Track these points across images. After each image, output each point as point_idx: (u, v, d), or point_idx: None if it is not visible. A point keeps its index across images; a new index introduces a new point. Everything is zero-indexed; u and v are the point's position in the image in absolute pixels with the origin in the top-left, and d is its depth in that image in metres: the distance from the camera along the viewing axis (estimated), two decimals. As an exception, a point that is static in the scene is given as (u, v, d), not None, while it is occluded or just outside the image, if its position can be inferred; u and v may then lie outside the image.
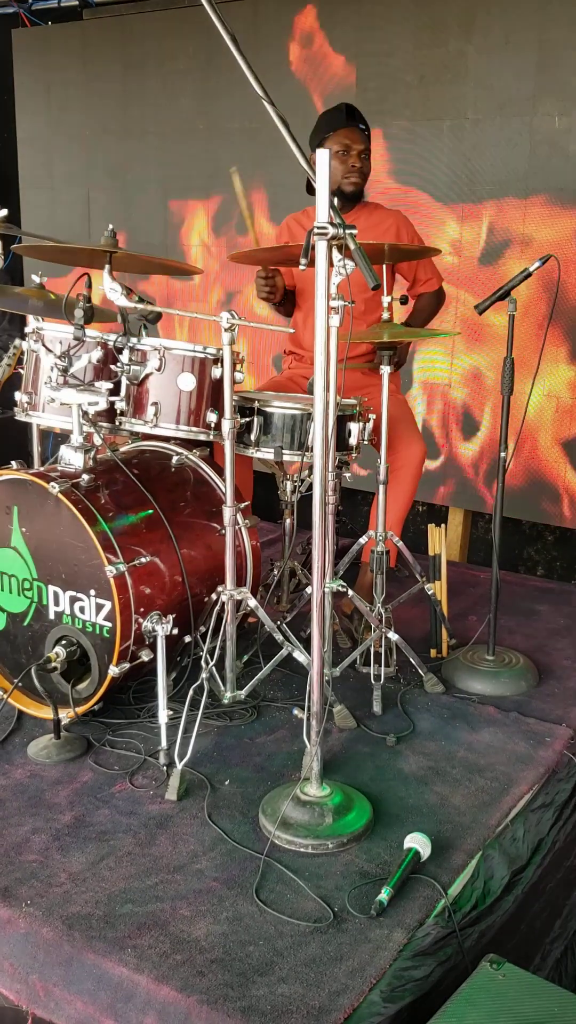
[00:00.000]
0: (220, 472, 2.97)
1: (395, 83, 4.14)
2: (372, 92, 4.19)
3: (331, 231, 1.96)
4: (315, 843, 2.18)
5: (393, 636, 2.87)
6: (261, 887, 2.06)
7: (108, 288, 2.55)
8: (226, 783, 2.45)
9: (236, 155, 4.57)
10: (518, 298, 2.78)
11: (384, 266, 2.96)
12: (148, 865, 2.14)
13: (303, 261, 1.97)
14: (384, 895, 2.00)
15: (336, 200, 3.32)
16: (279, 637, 2.73)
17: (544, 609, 3.63)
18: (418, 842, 2.14)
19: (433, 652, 3.16)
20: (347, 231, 1.97)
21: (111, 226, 2.61)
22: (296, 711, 2.75)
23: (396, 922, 1.96)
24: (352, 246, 1.98)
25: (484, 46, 3.92)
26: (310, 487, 3.09)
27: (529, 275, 2.76)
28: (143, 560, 2.59)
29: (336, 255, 2.04)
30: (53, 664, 2.62)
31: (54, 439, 4.53)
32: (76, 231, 5.24)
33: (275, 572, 3.33)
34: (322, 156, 1.95)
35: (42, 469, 2.74)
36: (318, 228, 1.95)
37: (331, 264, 2.02)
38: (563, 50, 3.72)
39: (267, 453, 2.85)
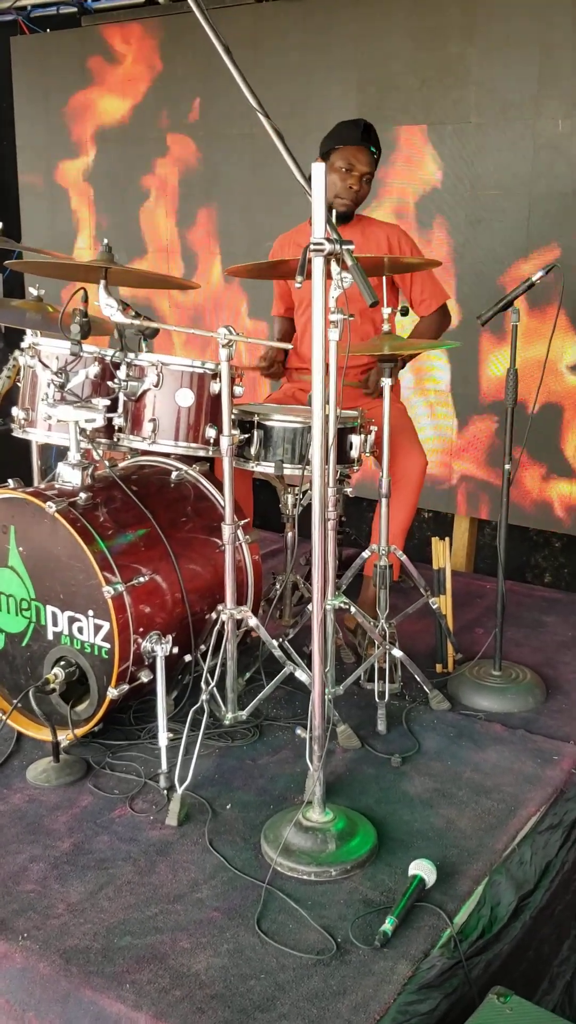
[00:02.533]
0: (220, 487, 2.92)
1: (395, 86, 4.09)
2: (372, 95, 4.14)
3: (328, 247, 1.91)
4: (318, 870, 2.14)
5: (397, 653, 2.82)
6: (263, 917, 2.02)
7: (104, 304, 2.51)
8: (228, 807, 2.40)
9: (236, 160, 4.55)
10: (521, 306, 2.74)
11: (383, 279, 2.91)
12: (148, 895, 2.09)
13: (299, 279, 1.92)
14: (388, 925, 1.95)
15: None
16: (279, 654, 2.68)
17: (551, 621, 3.58)
18: (423, 869, 2.09)
19: (439, 667, 3.11)
20: (344, 247, 1.93)
21: (106, 241, 2.57)
22: (299, 730, 2.71)
23: (401, 953, 1.92)
24: (349, 262, 1.93)
25: (486, 48, 3.87)
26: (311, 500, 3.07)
27: (533, 285, 2.71)
28: (142, 579, 2.55)
29: (334, 268, 2.00)
30: (52, 686, 2.58)
31: (56, 451, 4.49)
32: (76, 241, 5.21)
33: (277, 586, 3.29)
34: (318, 170, 1.91)
35: (39, 487, 2.70)
36: (315, 244, 1.90)
37: (329, 278, 1.98)
38: (566, 52, 3.67)
39: (268, 467, 2.81)
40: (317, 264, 1.93)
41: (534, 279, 2.71)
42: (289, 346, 2.61)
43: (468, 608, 3.59)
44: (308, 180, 1.99)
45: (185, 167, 4.76)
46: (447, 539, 3.14)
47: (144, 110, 4.84)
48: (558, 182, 3.78)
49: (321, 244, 1.90)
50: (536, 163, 3.83)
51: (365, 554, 3.03)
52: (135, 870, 2.17)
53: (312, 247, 1.91)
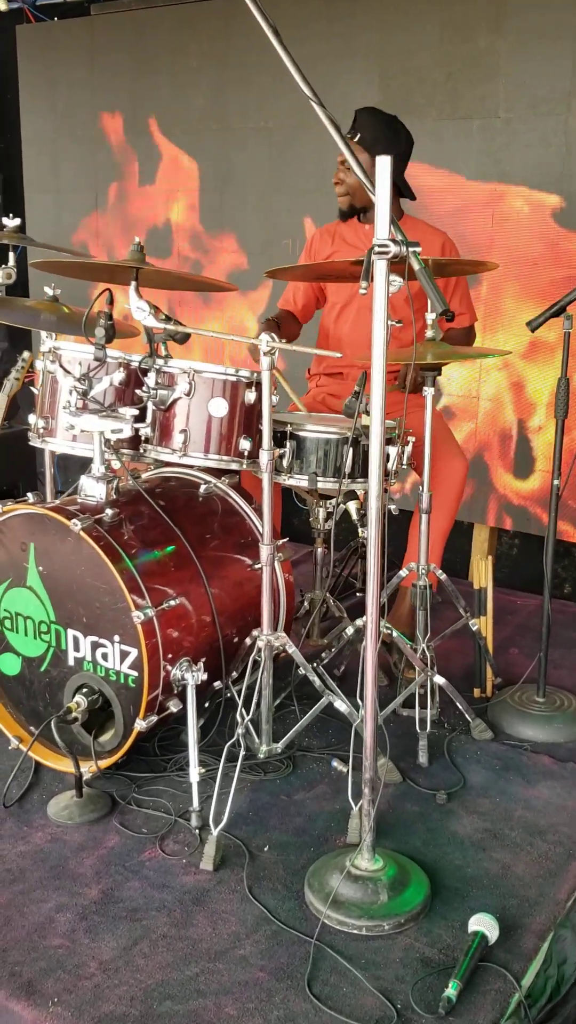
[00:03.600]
0: (250, 500, 2.77)
1: (420, 79, 3.92)
2: (396, 89, 3.97)
3: (393, 249, 1.75)
4: (369, 924, 1.97)
5: (440, 680, 2.66)
6: (313, 978, 1.85)
7: (135, 307, 2.34)
8: (265, 849, 2.24)
9: (250, 155, 4.37)
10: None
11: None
12: (186, 951, 1.93)
13: (363, 284, 1.75)
14: (452, 990, 1.79)
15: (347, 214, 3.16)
16: (317, 682, 2.52)
17: (588, 640, 3.43)
18: (484, 925, 1.93)
19: (477, 692, 2.95)
20: (410, 249, 1.76)
21: (138, 239, 2.40)
22: (336, 763, 2.55)
23: (467, 1022, 1.76)
24: (417, 266, 1.77)
25: (516, 42, 3.70)
26: (343, 515, 2.90)
27: (587, 289, 2.56)
28: (172, 603, 2.38)
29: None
30: (74, 715, 2.41)
31: (59, 460, 4.31)
32: (83, 237, 5.03)
33: (305, 604, 3.12)
34: (383, 164, 1.74)
35: (60, 502, 2.53)
36: (379, 246, 1.74)
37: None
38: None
39: (301, 480, 2.64)
40: (380, 268, 1.76)
41: (589, 283, 2.55)
42: (338, 354, 2.44)
43: (500, 626, 3.43)
44: (367, 173, 1.83)
45: (198, 161, 4.58)
46: (490, 557, 2.97)
47: (156, 102, 4.66)
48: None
49: (386, 246, 1.74)
50: (568, 160, 3.67)
51: (403, 572, 2.87)
52: (170, 922, 2.00)
53: (376, 249, 1.74)
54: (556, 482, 2.68)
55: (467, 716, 2.72)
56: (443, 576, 2.85)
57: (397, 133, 3.06)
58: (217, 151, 4.50)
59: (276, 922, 2.00)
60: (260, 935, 1.97)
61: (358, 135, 2.98)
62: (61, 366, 2.54)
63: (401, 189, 3.09)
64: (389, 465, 2.69)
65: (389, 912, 1.99)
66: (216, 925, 1.99)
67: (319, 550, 3.09)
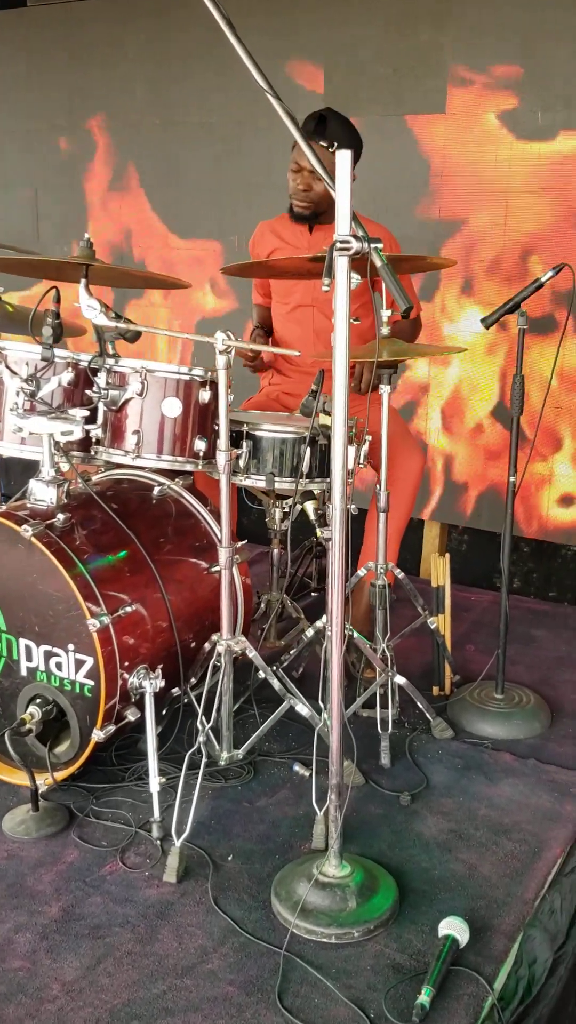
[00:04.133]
0: (204, 502, 2.71)
1: (365, 74, 3.89)
2: (339, 84, 3.94)
3: (355, 246, 1.71)
4: (339, 932, 1.94)
5: (400, 680, 2.64)
6: (284, 991, 1.81)
7: (85, 305, 2.27)
8: (229, 859, 2.19)
9: (194, 151, 4.31)
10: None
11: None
12: (152, 967, 1.87)
13: (326, 281, 1.71)
14: (425, 996, 1.77)
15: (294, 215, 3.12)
16: (278, 686, 2.48)
17: (542, 635, 3.44)
18: (454, 928, 1.91)
19: (435, 690, 2.94)
20: (372, 245, 1.73)
21: (87, 235, 2.33)
22: (297, 767, 2.52)
23: (441, 1028, 1.74)
24: (379, 263, 1.74)
25: (460, 38, 3.70)
26: (300, 515, 2.87)
27: (541, 286, 2.56)
28: (128, 609, 2.32)
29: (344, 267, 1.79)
30: (28, 726, 2.33)
31: (2, 464, 4.20)
32: (24, 236, 4.91)
33: (262, 606, 3.08)
34: (343, 158, 1.70)
35: (8, 507, 2.44)
36: (340, 242, 1.70)
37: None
38: (550, 43, 3.52)
39: (258, 480, 2.59)
40: (342, 265, 1.73)
41: (543, 280, 2.54)
42: (297, 353, 2.40)
43: (455, 622, 3.40)
44: (325, 167, 1.79)
45: (143, 157, 4.50)
46: (447, 555, 2.96)
47: (94, 96, 4.56)
48: (535, 179, 3.64)
49: (348, 242, 1.70)
50: (515, 159, 3.68)
51: (361, 572, 2.84)
52: (135, 938, 1.95)
53: (337, 245, 1.71)
54: (512, 479, 2.68)
55: (427, 715, 2.70)
56: (401, 575, 2.82)
57: (353, 132, 3.02)
58: (159, 146, 4.43)
59: (244, 933, 1.95)
60: (228, 948, 1.92)
61: (335, 144, 2.92)
62: (7, 366, 2.46)
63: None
64: (347, 464, 2.65)
65: (358, 919, 1.96)
66: (182, 939, 1.94)
67: (275, 551, 3.05)
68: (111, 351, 2.49)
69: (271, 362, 3.25)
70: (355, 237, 1.70)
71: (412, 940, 1.95)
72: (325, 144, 2.88)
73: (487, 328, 2.65)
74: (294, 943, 1.93)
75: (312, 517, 2.74)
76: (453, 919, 1.93)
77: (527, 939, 1.98)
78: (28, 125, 4.78)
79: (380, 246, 1.74)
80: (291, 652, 2.80)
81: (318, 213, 3.05)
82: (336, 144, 2.88)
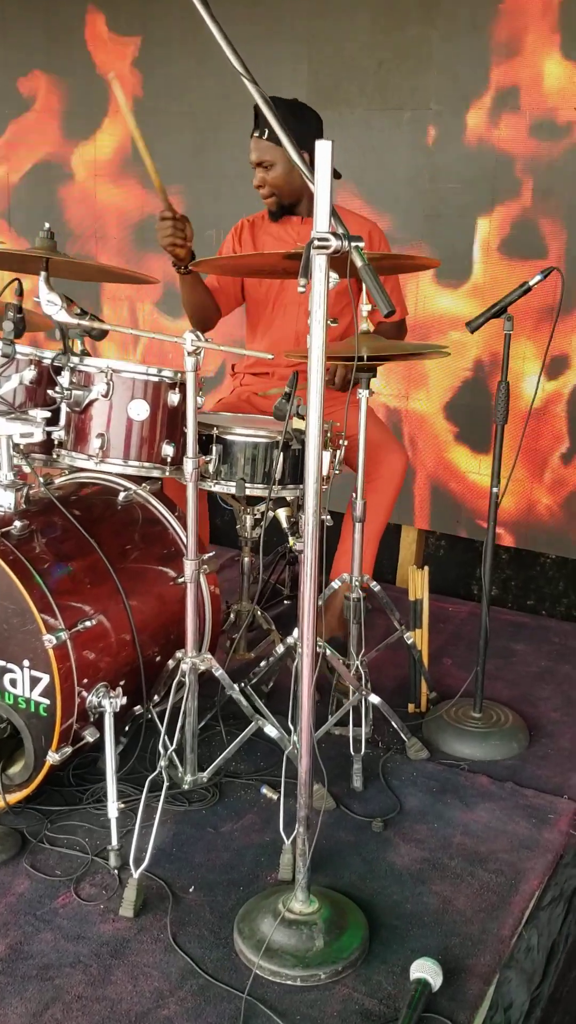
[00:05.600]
0: (172, 508, 2.59)
1: (350, 67, 3.77)
2: (325, 77, 3.82)
3: (333, 244, 1.59)
4: (304, 974, 1.82)
5: (375, 699, 2.53)
6: (245, 1040, 1.70)
7: (45, 300, 2.14)
8: (191, 890, 2.07)
9: (172, 140, 4.17)
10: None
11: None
12: (104, 1014, 1.74)
13: (303, 281, 1.59)
14: (395, 1047, 1.66)
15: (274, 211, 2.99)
16: (246, 706, 2.36)
17: (521, 649, 3.34)
18: (427, 971, 1.80)
19: (411, 707, 2.83)
20: (353, 243, 1.61)
21: (47, 225, 2.19)
22: (265, 790, 2.40)
23: None
24: (360, 262, 1.61)
25: (447, 32, 3.58)
26: (272, 521, 2.75)
27: (529, 290, 2.44)
28: (88, 623, 2.19)
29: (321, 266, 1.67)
30: (-21, 746, 2.20)
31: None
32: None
33: (231, 616, 2.96)
34: (323, 148, 1.58)
35: (-37, 512, 2.31)
36: (318, 240, 1.58)
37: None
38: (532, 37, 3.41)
39: (228, 487, 2.47)
40: (319, 265, 1.60)
41: (531, 283, 2.43)
42: (270, 356, 2.27)
43: (433, 634, 3.31)
44: (305, 161, 1.66)
45: (117, 145, 4.35)
46: (425, 568, 2.85)
47: (66, 75, 4.41)
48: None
49: (327, 240, 1.58)
50: (500, 157, 3.57)
51: (335, 584, 2.72)
52: (86, 980, 1.82)
53: (315, 243, 1.58)
54: (495, 489, 2.57)
55: (402, 735, 2.59)
56: (377, 587, 2.71)
57: (301, 118, 2.90)
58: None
59: (203, 975, 1.83)
60: (185, 991, 1.80)
61: (265, 132, 2.83)
62: (-35, 363, 2.32)
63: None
64: (322, 470, 2.53)
65: (325, 959, 1.85)
66: (137, 981, 1.82)
67: (246, 559, 2.93)
68: (79, 348, 2.36)
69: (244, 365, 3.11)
70: (334, 235, 1.58)
71: (382, 982, 1.83)
72: (257, 134, 2.80)
73: (472, 332, 2.53)
74: (257, 985, 1.81)
75: (284, 525, 2.62)
76: (426, 961, 1.82)
77: (503, 982, 1.87)
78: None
79: (362, 244, 1.61)
80: (261, 666, 2.68)
81: (286, 205, 2.94)
82: (267, 131, 2.80)
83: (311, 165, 1.57)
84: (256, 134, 2.87)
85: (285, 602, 3.45)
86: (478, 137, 3.55)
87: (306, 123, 2.88)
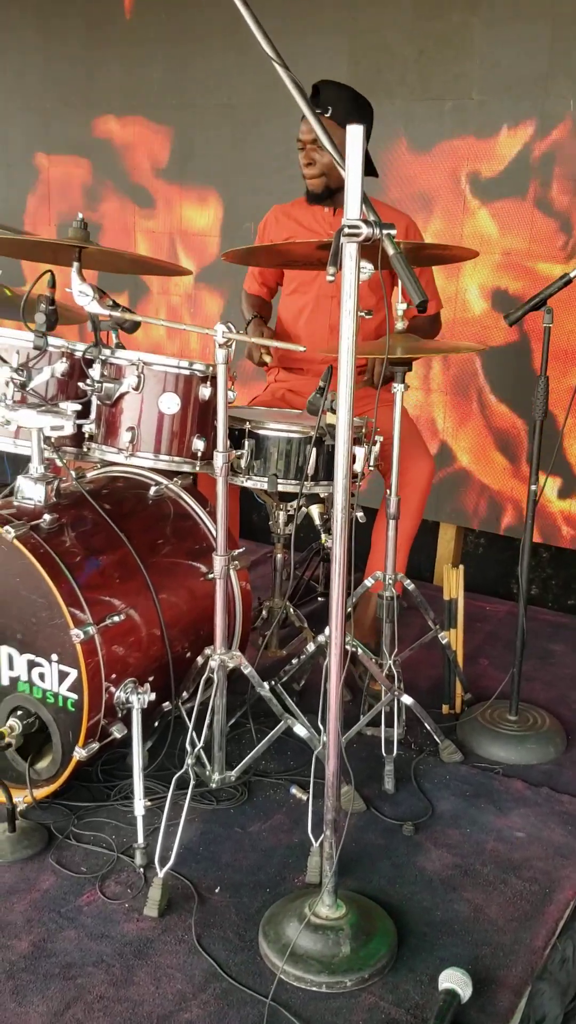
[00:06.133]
0: (204, 503, 2.56)
1: (391, 56, 3.71)
2: (365, 66, 3.76)
3: (364, 231, 1.54)
4: (330, 981, 1.78)
5: (407, 700, 2.48)
6: (268, 1046, 1.66)
7: (77, 291, 2.11)
8: (216, 891, 2.04)
9: (210, 135, 4.14)
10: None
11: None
12: (125, 1015, 1.72)
13: (331, 270, 1.55)
14: (422, 1059, 1.61)
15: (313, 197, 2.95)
16: (279, 710, 2.33)
17: (560, 650, 3.27)
18: (456, 981, 1.75)
19: (445, 708, 2.77)
20: (384, 231, 1.56)
21: (80, 215, 2.17)
22: (295, 790, 2.36)
23: None
24: (391, 251, 1.57)
25: (491, 20, 3.51)
26: (305, 518, 2.70)
27: (570, 281, 2.37)
28: (116, 618, 2.17)
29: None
30: (7, 740, 2.19)
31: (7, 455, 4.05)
32: (30, 214, 4.76)
33: (264, 612, 2.92)
34: (354, 134, 1.53)
35: (-6, 505, 2.30)
36: (349, 227, 1.53)
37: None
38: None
39: (260, 482, 2.43)
40: (350, 253, 1.56)
41: (572, 275, 2.36)
42: (302, 348, 2.23)
43: (469, 634, 3.24)
44: (336, 147, 1.62)
45: (153, 139, 4.33)
46: (460, 567, 2.79)
47: (109, 73, 4.40)
48: (567, 166, 3.45)
49: (357, 227, 1.53)
50: (543, 148, 3.49)
51: (368, 582, 2.67)
52: (108, 980, 1.80)
53: (345, 231, 1.54)
54: (533, 488, 2.51)
55: (435, 737, 2.53)
56: (411, 586, 2.66)
57: (363, 107, 2.85)
58: (176, 128, 4.26)
59: (227, 978, 1.80)
60: (209, 994, 1.77)
61: (329, 109, 2.76)
62: (-3, 355, 2.31)
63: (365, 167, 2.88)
64: (356, 467, 2.49)
65: (352, 966, 1.80)
66: (160, 983, 1.79)
67: (279, 556, 2.89)
68: (113, 340, 2.34)
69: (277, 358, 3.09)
70: (365, 222, 1.53)
71: (410, 991, 1.79)
72: (320, 111, 2.73)
73: (510, 325, 2.47)
74: (281, 991, 1.77)
75: (317, 522, 2.58)
76: (455, 971, 1.77)
77: (535, 994, 1.81)
78: (44, 104, 4.63)
79: (394, 232, 1.56)
80: (292, 664, 2.64)
81: (334, 190, 2.88)
82: (331, 109, 2.74)
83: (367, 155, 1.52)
84: (319, 110, 2.79)
85: (319, 599, 3.41)
86: (520, 127, 3.47)
87: (365, 113, 2.83)
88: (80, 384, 2.30)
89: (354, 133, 1.52)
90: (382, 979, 1.81)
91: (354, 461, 2.48)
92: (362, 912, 1.92)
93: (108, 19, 4.32)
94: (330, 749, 1.80)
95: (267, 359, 3.03)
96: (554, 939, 1.95)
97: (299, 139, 2.87)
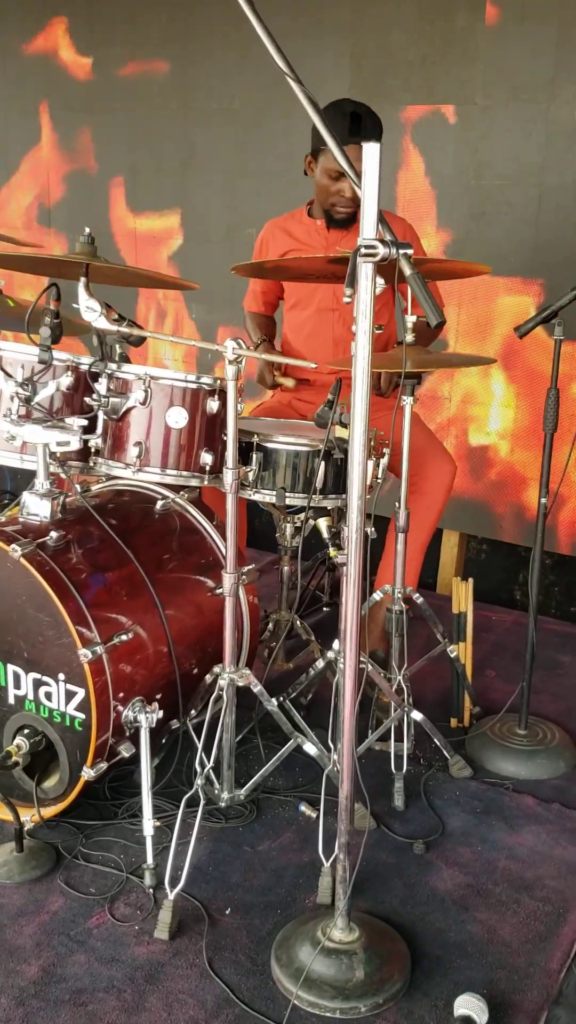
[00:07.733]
0: (210, 516, 2.53)
1: (394, 60, 3.68)
2: (368, 70, 3.73)
3: (381, 251, 1.52)
4: (344, 1006, 1.76)
5: (417, 716, 2.46)
6: (282, 1076, 1.64)
7: (85, 307, 2.09)
8: (227, 912, 2.01)
9: (213, 137, 4.11)
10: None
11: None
12: (137, 1042, 1.70)
13: (348, 291, 1.52)
14: None
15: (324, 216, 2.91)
16: (288, 728, 2.31)
17: (568, 661, 3.25)
18: (472, 1007, 1.73)
19: (454, 722, 2.75)
20: (401, 251, 1.54)
21: (88, 230, 2.14)
22: (304, 807, 2.34)
23: None
24: (408, 271, 1.54)
25: (496, 24, 3.48)
26: (312, 531, 2.68)
27: (581, 294, 2.35)
28: (124, 637, 2.14)
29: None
30: (14, 759, 2.17)
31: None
32: (31, 226, 4.73)
33: (270, 624, 2.90)
34: (371, 151, 1.51)
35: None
36: (366, 247, 1.51)
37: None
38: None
39: (268, 496, 2.41)
40: (366, 273, 1.54)
41: (583, 287, 2.34)
42: (313, 365, 2.20)
43: (475, 644, 3.21)
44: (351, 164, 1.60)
45: (154, 143, 4.30)
46: (470, 580, 2.77)
47: (111, 76, 4.37)
48: (572, 172, 3.42)
49: (374, 247, 1.51)
50: (548, 151, 3.47)
51: (377, 596, 2.65)
52: (120, 1006, 1.77)
53: (362, 250, 1.51)
54: (543, 500, 2.48)
55: (445, 752, 2.52)
56: (420, 599, 2.64)
57: (377, 124, 2.81)
58: (178, 131, 4.23)
59: (240, 1004, 1.78)
60: (222, 1021, 1.75)
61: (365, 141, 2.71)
62: (1, 369, 2.28)
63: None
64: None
65: (366, 991, 1.78)
66: (172, 1009, 1.77)
67: (285, 568, 2.87)
68: (118, 354, 2.31)
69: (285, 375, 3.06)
70: (382, 242, 1.51)
71: (425, 1017, 1.77)
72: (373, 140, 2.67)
73: (521, 337, 2.45)
74: (295, 1017, 1.75)
75: (325, 535, 2.55)
76: (470, 997, 1.75)
77: (552, 1019, 1.79)
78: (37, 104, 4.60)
79: (411, 252, 1.54)
80: (300, 680, 2.61)
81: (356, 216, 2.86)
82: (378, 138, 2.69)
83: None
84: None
85: (324, 609, 3.39)
86: (526, 132, 3.45)
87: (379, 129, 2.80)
88: (86, 398, 2.27)
89: (371, 151, 1.50)
90: (396, 1004, 1.79)
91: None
92: (375, 935, 1.90)
93: (110, 25, 4.29)
94: (344, 771, 1.77)
95: (282, 381, 2.98)
96: (569, 962, 1.93)
97: (338, 171, 2.76)
